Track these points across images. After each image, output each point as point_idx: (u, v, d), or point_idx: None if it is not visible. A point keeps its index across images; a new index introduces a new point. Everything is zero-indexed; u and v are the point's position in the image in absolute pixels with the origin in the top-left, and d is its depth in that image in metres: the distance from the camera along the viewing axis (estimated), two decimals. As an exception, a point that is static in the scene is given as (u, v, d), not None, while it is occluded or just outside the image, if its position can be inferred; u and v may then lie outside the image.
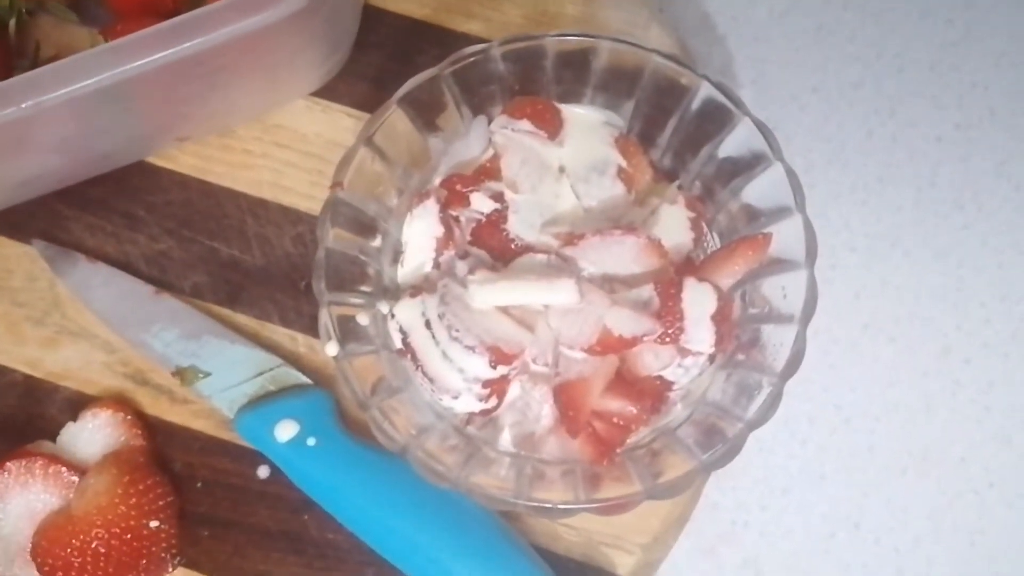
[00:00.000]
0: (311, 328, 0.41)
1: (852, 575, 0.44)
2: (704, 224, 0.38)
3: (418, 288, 0.36)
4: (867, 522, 0.45)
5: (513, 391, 0.36)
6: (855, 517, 0.45)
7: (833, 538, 0.44)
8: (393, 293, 0.37)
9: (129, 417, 0.40)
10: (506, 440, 0.36)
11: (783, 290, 0.35)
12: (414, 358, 0.36)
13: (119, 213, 0.43)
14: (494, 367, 0.35)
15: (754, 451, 0.45)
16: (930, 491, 0.45)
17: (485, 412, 0.36)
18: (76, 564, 0.37)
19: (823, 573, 0.44)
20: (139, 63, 0.33)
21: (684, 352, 0.35)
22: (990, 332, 0.46)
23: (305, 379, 0.40)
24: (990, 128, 0.49)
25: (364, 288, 0.37)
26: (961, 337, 0.47)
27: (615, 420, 0.35)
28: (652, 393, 0.35)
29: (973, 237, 0.47)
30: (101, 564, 0.37)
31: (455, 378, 0.35)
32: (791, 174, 0.35)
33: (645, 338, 0.34)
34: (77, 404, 0.40)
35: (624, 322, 0.34)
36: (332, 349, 0.34)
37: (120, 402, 0.40)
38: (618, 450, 0.35)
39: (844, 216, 0.48)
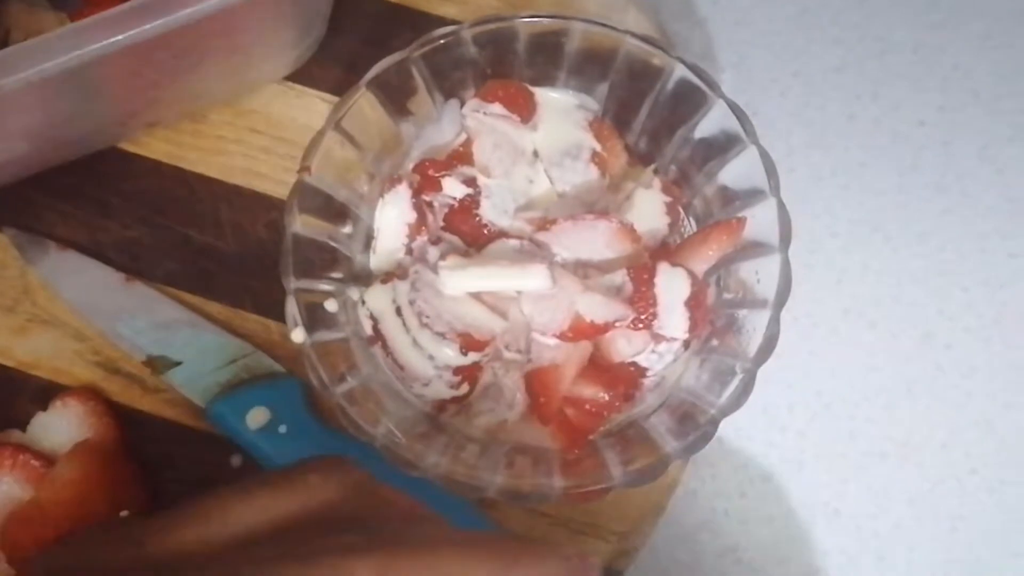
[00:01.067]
0: (284, 316, 0.41)
1: (832, 561, 0.44)
2: (680, 208, 0.37)
3: (389, 274, 0.36)
4: (847, 508, 0.44)
5: (485, 378, 0.36)
6: (835, 503, 0.44)
7: (813, 524, 0.44)
8: (364, 280, 0.37)
9: (100, 406, 0.39)
10: (478, 428, 0.36)
11: (757, 274, 0.34)
12: (384, 345, 0.35)
13: (90, 200, 0.42)
14: (465, 354, 0.34)
15: (733, 438, 0.45)
16: (911, 477, 0.45)
17: (456, 399, 0.35)
18: (45, 554, 0.36)
19: (803, 559, 0.44)
20: (103, 44, 0.33)
21: (658, 338, 0.35)
22: (972, 317, 0.46)
23: (278, 367, 0.40)
24: (973, 111, 0.48)
25: (334, 275, 0.36)
26: (943, 322, 0.46)
27: (588, 407, 0.34)
28: (625, 380, 0.35)
29: (955, 221, 0.47)
30: (71, 554, 0.37)
31: (425, 365, 0.34)
32: (765, 157, 0.35)
33: (618, 324, 0.34)
34: (47, 393, 0.40)
35: (596, 308, 0.34)
36: (298, 336, 0.34)
37: (91, 391, 0.40)
38: (591, 437, 0.34)
39: (825, 200, 0.47)
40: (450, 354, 0.34)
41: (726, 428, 0.44)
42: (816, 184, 0.47)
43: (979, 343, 0.46)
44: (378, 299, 0.35)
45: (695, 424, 0.33)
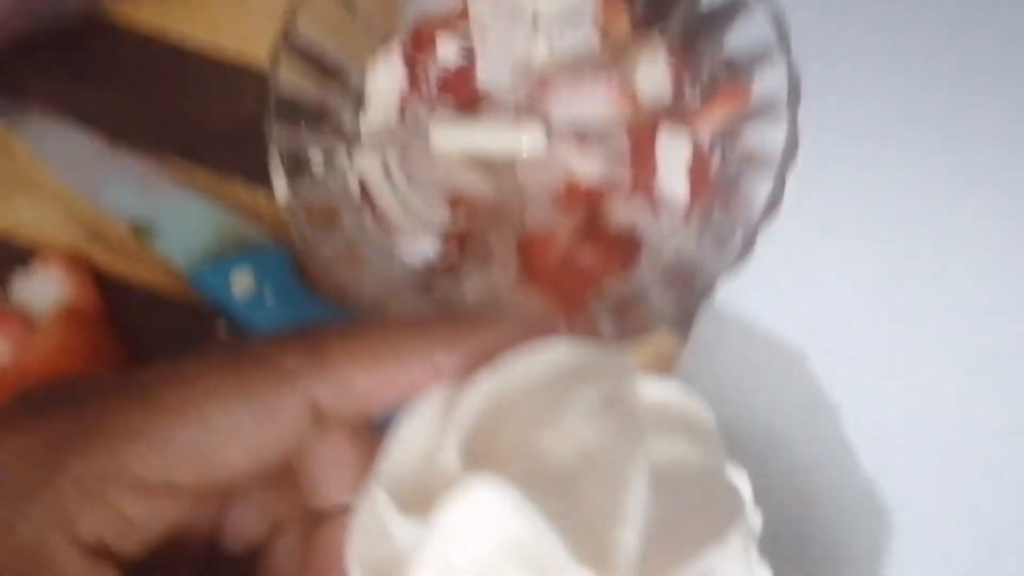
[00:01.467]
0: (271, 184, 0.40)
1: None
2: (684, 75, 0.36)
3: (380, 138, 0.35)
4: (849, 403, 0.43)
5: (476, 245, 0.34)
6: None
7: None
8: (353, 144, 0.36)
9: (82, 271, 0.39)
10: (468, 296, 0.35)
11: (764, 138, 0.33)
12: (372, 208, 0.34)
13: (76, 70, 0.41)
14: (455, 216, 0.33)
15: (737, 332, 0.44)
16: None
17: (446, 265, 0.34)
18: (25, 418, 0.36)
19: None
20: None
21: (657, 206, 0.34)
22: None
23: (264, 236, 0.39)
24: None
25: (322, 133, 0.35)
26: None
27: (581, 273, 0.33)
28: (621, 249, 0.34)
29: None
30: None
31: (414, 227, 0.33)
32: (776, 17, 0.33)
33: (615, 187, 0.32)
34: (30, 258, 0.39)
35: (593, 169, 0.32)
36: (281, 189, 0.32)
37: (73, 256, 0.39)
38: (584, 306, 0.33)
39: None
40: (440, 215, 0.33)
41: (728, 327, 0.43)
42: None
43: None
44: (367, 161, 0.34)
45: (692, 286, 0.31)
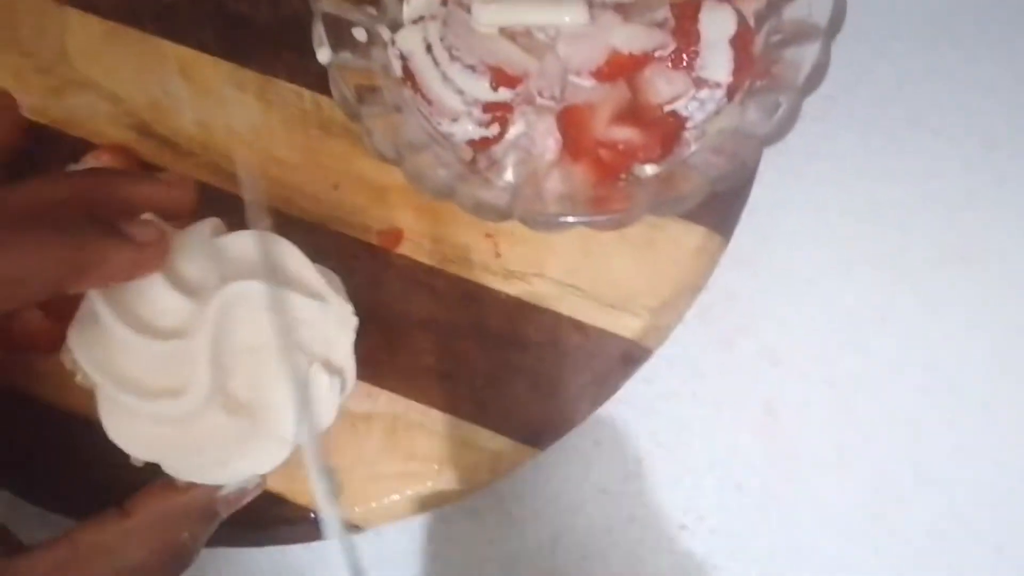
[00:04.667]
0: (318, 85, 0.40)
1: (877, 368, 0.42)
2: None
3: (422, 12, 0.35)
4: (896, 316, 0.42)
5: (517, 128, 0.34)
6: (883, 310, 0.42)
7: (858, 331, 0.42)
8: (395, 20, 0.36)
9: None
10: (508, 178, 0.34)
11: (809, 8, 0.32)
12: (413, 84, 0.34)
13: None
14: (495, 89, 0.33)
15: (778, 240, 0.43)
16: (966, 287, 0.42)
17: (486, 141, 0.34)
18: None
19: (845, 365, 0.42)
20: None
21: (699, 83, 0.33)
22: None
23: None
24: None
25: (364, 12, 0.35)
26: (1011, 132, 0.43)
27: (621, 147, 0.33)
28: (663, 126, 0.33)
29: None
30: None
31: (454, 100, 0.33)
32: None
33: (657, 56, 0.32)
34: (81, 152, 0.40)
35: (634, 39, 0.32)
36: (324, 55, 0.32)
37: (123, 148, 0.40)
38: (623, 175, 0.33)
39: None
40: (480, 88, 0.33)
41: (772, 230, 0.43)
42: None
43: (1051, 153, 0.43)
44: (408, 38, 0.34)
45: (735, 156, 0.31)
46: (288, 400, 0.29)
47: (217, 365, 0.28)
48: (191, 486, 0.30)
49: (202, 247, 0.30)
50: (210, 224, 0.31)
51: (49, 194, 0.27)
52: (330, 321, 0.30)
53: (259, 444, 0.29)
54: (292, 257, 0.30)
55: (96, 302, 0.28)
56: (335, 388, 0.30)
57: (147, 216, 0.29)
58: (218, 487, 0.30)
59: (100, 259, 0.26)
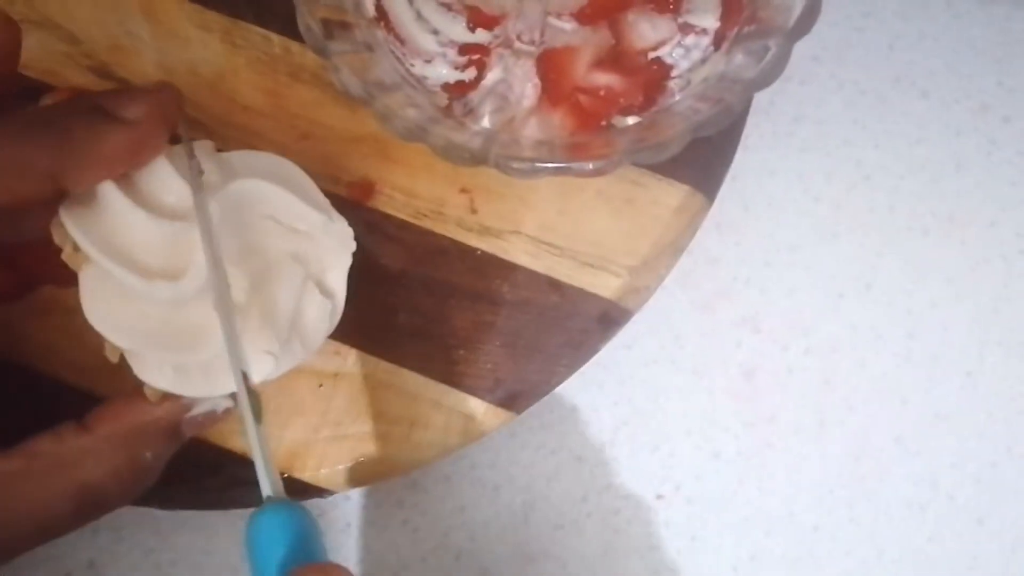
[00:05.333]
0: (287, 29, 0.38)
1: (859, 336, 0.41)
2: None
3: (395, -52, 0.33)
4: (880, 283, 0.41)
5: (494, 73, 0.33)
6: (867, 277, 0.41)
7: (842, 298, 0.41)
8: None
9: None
10: (484, 125, 0.33)
11: (801, -49, 0.31)
12: (386, 23, 0.32)
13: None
14: (472, 30, 0.31)
15: (762, 206, 0.42)
16: (952, 254, 0.41)
17: (462, 86, 0.32)
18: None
19: (827, 332, 0.41)
20: None
21: (685, 29, 0.32)
22: (1035, 91, 0.42)
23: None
24: None
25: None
26: (1002, 94, 0.42)
27: (602, 93, 0.31)
28: (646, 73, 0.32)
29: (1026, -11, 0.43)
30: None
31: (428, 40, 0.32)
32: None
33: (639, 1, 0.30)
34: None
35: (618, -21, 0.30)
36: (292, -13, 0.31)
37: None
38: (603, 122, 0.31)
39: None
40: (455, 28, 0.31)
41: (756, 194, 0.41)
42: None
43: (1041, 116, 0.42)
44: (382, -25, 0.32)
45: (720, 102, 0.29)
46: (280, 312, 0.28)
47: (215, 255, 0.27)
48: (160, 403, 0.28)
49: (208, 157, 0.29)
50: (207, 143, 0.30)
51: None
52: (331, 240, 0.29)
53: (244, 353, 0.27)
54: (297, 174, 0.30)
55: None
56: (325, 311, 0.29)
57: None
58: (187, 406, 0.29)
59: (92, 142, 0.25)
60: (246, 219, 0.28)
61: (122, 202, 0.26)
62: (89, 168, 0.26)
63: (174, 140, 0.29)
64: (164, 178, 0.27)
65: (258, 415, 0.26)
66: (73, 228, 0.26)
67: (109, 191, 0.27)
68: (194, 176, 0.28)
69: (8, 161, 0.25)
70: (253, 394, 0.27)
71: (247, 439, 0.26)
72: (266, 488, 0.26)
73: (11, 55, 0.31)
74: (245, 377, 0.27)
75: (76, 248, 0.27)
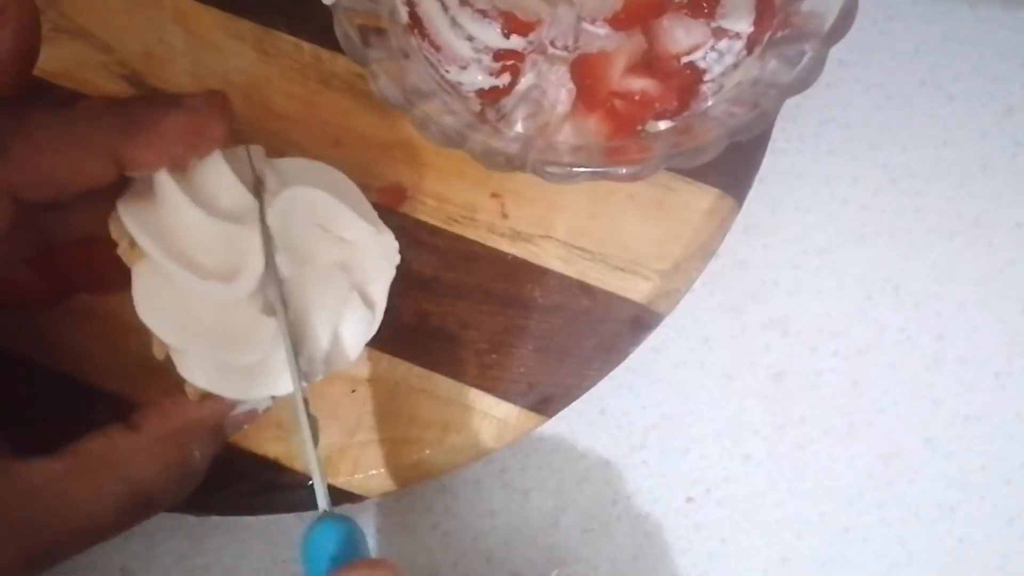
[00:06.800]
0: (318, 38, 0.39)
1: (888, 338, 0.41)
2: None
3: (430, -44, 0.33)
4: (908, 285, 0.41)
5: (528, 79, 0.33)
6: (895, 280, 0.41)
7: (869, 300, 0.41)
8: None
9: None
10: (518, 131, 0.33)
11: (834, -44, 0.31)
12: (420, 30, 0.33)
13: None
14: (507, 36, 0.32)
15: (790, 209, 0.42)
16: (980, 256, 0.41)
17: (495, 91, 0.33)
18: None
19: (855, 334, 0.41)
20: None
21: (719, 33, 0.32)
22: (1062, 93, 0.42)
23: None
24: None
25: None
26: (1028, 97, 0.42)
27: (637, 98, 0.31)
28: (680, 77, 0.32)
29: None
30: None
31: (464, 46, 0.32)
32: None
33: (675, 2, 0.31)
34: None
35: (652, -15, 0.31)
36: (329, -7, 0.31)
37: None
38: (639, 127, 0.32)
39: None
40: (490, 35, 0.31)
41: (784, 198, 0.42)
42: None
43: (1068, 119, 0.42)
44: (417, -18, 0.33)
45: (756, 107, 0.29)
46: (324, 320, 0.28)
47: (270, 261, 0.27)
48: (203, 401, 0.28)
49: (262, 162, 0.29)
50: (259, 149, 0.30)
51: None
52: (377, 251, 0.30)
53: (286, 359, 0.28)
54: (346, 183, 0.30)
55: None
56: (365, 322, 0.29)
57: None
58: (231, 405, 0.29)
59: (153, 121, 0.26)
60: (296, 225, 0.28)
61: (180, 199, 0.27)
62: (150, 147, 0.26)
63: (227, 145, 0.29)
64: (222, 178, 0.27)
65: (316, 438, 0.27)
66: (131, 223, 0.27)
67: (167, 186, 0.27)
68: (256, 180, 0.28)
69: (73, 139, 0.25)
70: (312, 419, 0.27)
71: (305, 460, 0.27)
72: (323, 504, 0.27)
73: (30, 50, 0.31)
74: (306, 403, 0.27)
75: (132, 244, 0.27)
